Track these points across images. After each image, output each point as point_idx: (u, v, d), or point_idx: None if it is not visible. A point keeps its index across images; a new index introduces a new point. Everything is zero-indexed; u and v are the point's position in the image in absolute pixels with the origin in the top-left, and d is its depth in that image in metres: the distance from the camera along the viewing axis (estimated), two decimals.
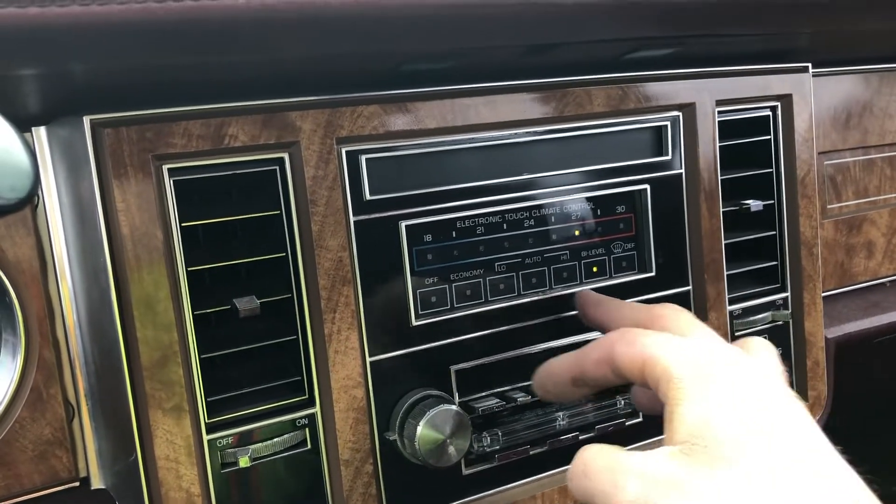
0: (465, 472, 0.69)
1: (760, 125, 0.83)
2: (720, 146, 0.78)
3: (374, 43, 0.54)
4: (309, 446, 0.64)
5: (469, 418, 0.65)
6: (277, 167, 0.61)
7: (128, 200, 0.56)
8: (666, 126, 0.76)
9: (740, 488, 0.42)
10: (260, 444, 0.61)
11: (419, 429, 0.63)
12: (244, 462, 0.60)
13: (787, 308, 0.85)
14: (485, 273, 0.69)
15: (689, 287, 0.78)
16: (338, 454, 0.63)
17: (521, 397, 0.68)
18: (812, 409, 0.84)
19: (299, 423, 0.63)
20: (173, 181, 0.58)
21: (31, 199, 0.35)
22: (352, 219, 0.63)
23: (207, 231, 0.60)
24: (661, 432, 0.49)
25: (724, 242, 0.79)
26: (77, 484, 0.67)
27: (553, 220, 0.71)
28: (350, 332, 0.63)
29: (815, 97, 0.84)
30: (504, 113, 0.68)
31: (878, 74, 1.01)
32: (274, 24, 0.46)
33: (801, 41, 0.80)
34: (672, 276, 0.77)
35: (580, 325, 0.71)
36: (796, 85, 0.83)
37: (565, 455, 0.72)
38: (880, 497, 0.43)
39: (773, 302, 0.84)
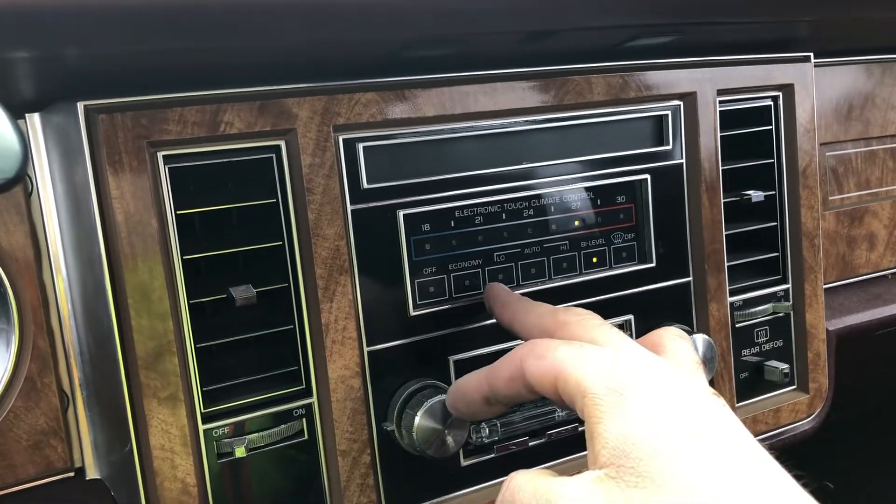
0: (464, 463, 0.69)
1: (762, 115, 0.82)
2: (721, 136, 0.77)
3: (374, 29, 0.54)
4: (306, 437, 0.63)
5: None
6: (274, 155, 0.61)
7: (122, 188, 0.55)
8: (667, 115, 0.75)
9: None
10: (256, 434, 0.61)
11: (417, 419, 0.62)
12: (240, 452, 0.60)
13: (788, 300, 0.84)
14: (484, 263, 0.68)
15: (690, 278, 0.78)
16: (335, 445, 0.63)
17: None
18: (813, 402, 0.84)
19: (296, 413, 0.63)
20: (168, 168, 0.57)
21: (19, 179, 0.35)
22: (349, 207, 0.62)
23: (203, 219, 0.60)
24: None
25: (724, 233, 0.78)
26: (72, 474, 0.67)
27: (553, 209, 0.71)
28: (347, 321, 0.62)
29: (816, 88, 0.84)
30: (503, 101, 0.67)
31: (880, 65, 1.00)
32: (274, 9, 0.46)
33: (803, 30, 0.79)
34: (672, 266, 0.77)
35: None
36: (798, 75, 0.82)
37: (564, 446, 0.72)
38: (811, 492, 0.42)
39: (775, 293, 0.84)
